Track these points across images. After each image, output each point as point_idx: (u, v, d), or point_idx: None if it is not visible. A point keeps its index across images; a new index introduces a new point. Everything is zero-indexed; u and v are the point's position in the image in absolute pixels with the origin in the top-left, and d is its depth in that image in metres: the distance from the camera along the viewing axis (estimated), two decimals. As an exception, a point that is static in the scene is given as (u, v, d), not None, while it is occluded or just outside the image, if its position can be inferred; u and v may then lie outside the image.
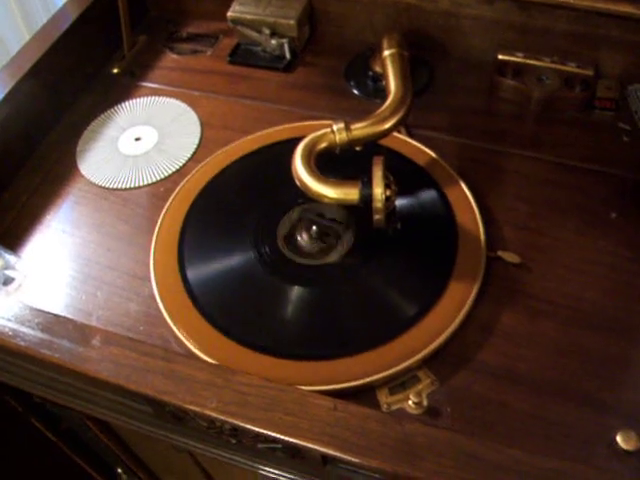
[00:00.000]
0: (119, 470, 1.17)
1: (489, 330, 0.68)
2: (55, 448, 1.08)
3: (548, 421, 0.61)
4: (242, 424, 0.53)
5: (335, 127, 0.72)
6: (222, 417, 0.54)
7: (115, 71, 1.01)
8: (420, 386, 0.64)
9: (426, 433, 0.52)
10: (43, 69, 0.90)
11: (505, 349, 0.66)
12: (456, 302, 0.68)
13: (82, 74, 0.99)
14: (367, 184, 0.66)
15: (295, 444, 0.53)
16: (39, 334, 0.60)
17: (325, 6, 1.00)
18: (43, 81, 0.91)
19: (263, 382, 0.55)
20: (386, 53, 0.85)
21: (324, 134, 0.72)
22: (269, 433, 0.53)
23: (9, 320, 0.61)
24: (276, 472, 0.68)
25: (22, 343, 0.60)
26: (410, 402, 0.62)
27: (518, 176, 0.81)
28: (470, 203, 0.76)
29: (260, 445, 0.61)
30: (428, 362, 0.66)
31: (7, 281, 0.75)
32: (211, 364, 0.60)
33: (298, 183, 0.70)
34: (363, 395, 0.64)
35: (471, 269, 0.71)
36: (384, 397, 0.64)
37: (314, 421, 0.53)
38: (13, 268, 0.76)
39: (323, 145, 0.72)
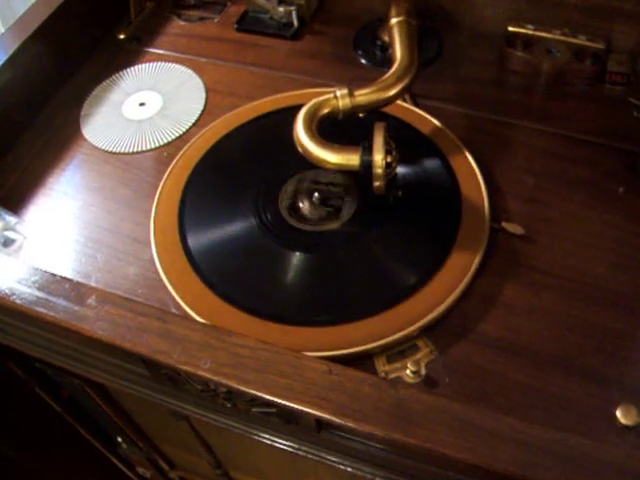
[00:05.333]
0: (119, 439, 1.18)
1: (491, 301, 0.67)
2: (58, 417, 1.09)
3: (548, 394, 0.61)
4: (235, 385, 0.53)
5: (338, 93, 0.71)
6: (215, 378, 0.53)
7: (121, 37, 1.00)
8: (419, 355, 0.63)
9: (420, 399, 0.52)
10: (48, 32, 0.90)
11: (506, 321, 0.66)
12: (458, 272, 0.67)
13: (88, 39, 0.98)
14: (368, 150, 0.65)
15: (288, 407, 0.52)
16: (35, 292, 0.59)
17: (335, -26, 0.99)
18: (48, 44, 0.90)
19: (258, 344, 0.55)
20: (393, 21, 0.83)
21: (327, 99, 0.71)
22: (262, 395, 0.52)
23: (6, 278, 0.61)
24: (271, 438, 0.68)
25: (18, 301, 0.59)
26: (408, 371, 0.61)
27: (525, 148, 0.80)
28: (475, 173, 0.75)
29: (255, 409, 0.60)
30: (427, 331, 0.65)
31: (7, 242, 0.75)
32: (206, 325, 0.59)
33: (299, 148, 0.69)
34: (361, 363, 0.63)
35: (474, 239, 0.70)
36: (382, 365, 0.63)
37: (308, 384, 0.53)
38: (14, 230, 0.76)
39: (326, 111, 0.71)
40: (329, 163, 0.68)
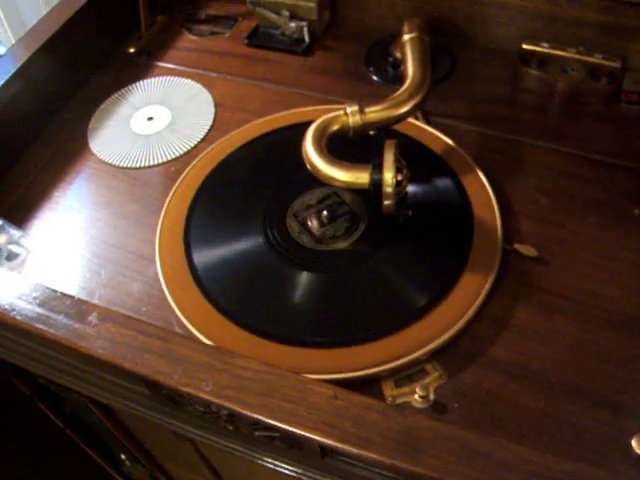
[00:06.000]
0: (123, 456, 1.16)
1: (502, 325, 0.65)
2: (61, 434, 1.08)
3: (561, 421, 0.59)
4: (238, 409, 0.51)
5: (349, 109, 0.70)
6: (217, 401, 0.52)
7: (131, 50, 1.00)
8: (427, 379, 0.62)
9: (428, 426, 0.50)
10: (58, 45, 0.89)
11: (518, 345, 0.64)
12: (469, 294, 0.66)
13: (98, 52, 0.98)
14: (378, 168, 0.64)
15: (292, 432, 0.51)
16: (36, 309, 0.58)
17: (347, -10, 0.98)
18: (58, 57, 0.90)
19: (262, 366, 0.53)
20: (406, 37, 0.82)
21: (337, 116, 0.70)
22: (265, 419, 0.51)
23: (6, 294, 0.60)
24: (274, 463, 0.66)
25: (18, 317, 0.58)
26: (416, 396, 0.60)
27: (539, 168, 0.79)
28: (488, 193, 0.74)
29: (257, 433, 0.59)
30: (437, 355, 0.63)
31: (11, 256, 0.74)
32: (209, 346, 0.58)
33: (308, 166, 0.68)
34: (368, 387, 0.61)
35: (486, 261, 0.68)
36: (389, 390, 0.61)
37: (313, 409, 0.51)
38: (18, 243, 0.75)
39: (335, 127, 0.70)
40: (338, 181, 0.67)
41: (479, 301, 0.65)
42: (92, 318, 0.57)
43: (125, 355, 0.54)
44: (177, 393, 0.57)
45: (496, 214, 0.72)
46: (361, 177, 0.65)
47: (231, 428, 0.60)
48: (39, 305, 0.58)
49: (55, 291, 0.59)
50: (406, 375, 0.62)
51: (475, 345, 0.64)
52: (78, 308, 0.58)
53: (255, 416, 0.51)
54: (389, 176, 0.63)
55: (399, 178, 0.64)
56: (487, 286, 0.66)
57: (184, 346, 0.55)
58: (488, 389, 0.61)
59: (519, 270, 0.69)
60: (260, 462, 0.67)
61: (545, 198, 0.75)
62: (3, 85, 0.82)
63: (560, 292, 0.67)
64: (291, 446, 0.59)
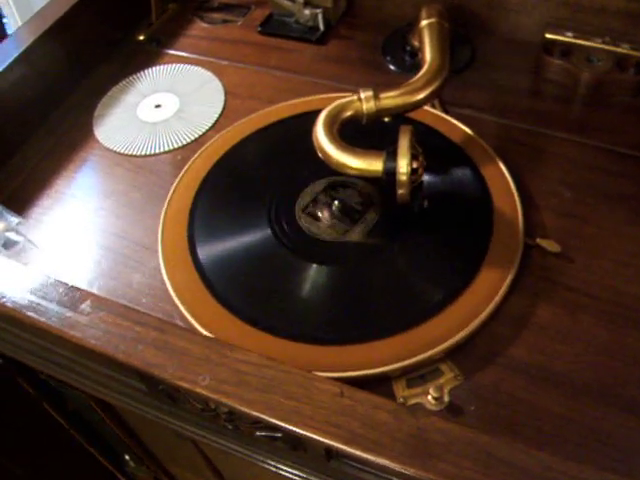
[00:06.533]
0: (127, 457, 1.14)
1: (522, 323, 0.62)
2: (62, 432, 1.05)
3: (584, 426, 0.55)
4: (236, 406, 0.48)
5: (363, 95, 0.66)
6: (214, 396, 0.48)
7: (141, 38, 0.97)
8: (442, 380, 0.58)
9: (443, 429, 0.46)
10: (65, 29, 0.87)
11: (539, 345, 0.60)
12: (487, 291, 0.62)
13: (106, 39, 0.96)
14: (392, 155, 0.60)
15: (294, 432, 0.47)
16: (27, 296, 0.55)
17: (363, -23, 0.95)
18: (64, 42, 0.87)
19: (263, 361, 0.50)
20: (424, 23, 0.79)
21: (350, 102, 0.66)
22: (265, 418, 0.47)
23: (-3, 280, 0.57)
24: (277, 465, 0.62)
25: (9, 304, 0.55)
26: (430, 397, 0.56)
27: (563, 160, 0.75)
28: (509, 185, 0.70)
29: (258, 433, 0.55)
30: (453, 354, 0.60)
31: (8, 244, 0.71)
32: (208, 338, 0.54)
33: (319, 152, 0.64)
34: (378, 386, 0.58)
35: (506, 256, 0.64)
36: (401, 390, 0.58)
37: (318, 408, 0.47)
38: (16, 231, 0.72)
39: (349, 113, 0.66)
40: (350, 168, 0.63)
41: (498, 298, 0.62)
42: (85, 306, 0.53)
43: (118, 346, 0.51)
44: (173, 388, 0.54)
45: (517, 207, 0.68)
46: (374, 164, 0.62)
47: (230, 427, 0.57)
48: (31, 292, 0.55)
49: (48, 277, 0.56)
50: (419, 375, 0.59)
51: (493, 344, 0.61)
52: (71, 296, 0.54)
53: (255, 414, 0.48)
54: (404, 163, 0.60)
55: (414, 166, 0.60)
56: (507, 282, 0.63)
57: (181, 338, 0.51)
58: (507, 391, 0.58)
59: (541, 266, 0.66)
60: (262, 464, 0.64)
61: (569, 192, 0.72)
62: (5, 69, 0.80)
63: (584, 290, 0.64)
64: (294, 447, 0.56)
